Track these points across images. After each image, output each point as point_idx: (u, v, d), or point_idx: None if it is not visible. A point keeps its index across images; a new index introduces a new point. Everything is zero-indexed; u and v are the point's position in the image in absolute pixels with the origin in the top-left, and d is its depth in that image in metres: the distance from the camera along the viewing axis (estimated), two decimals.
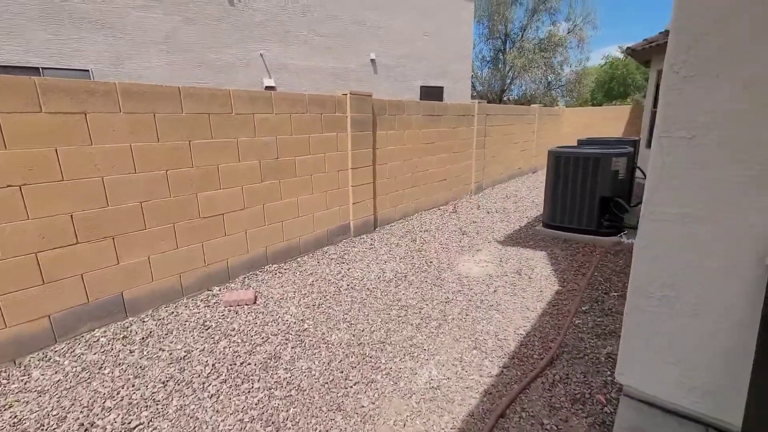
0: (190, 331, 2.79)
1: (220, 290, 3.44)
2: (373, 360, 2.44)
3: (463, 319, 2.92)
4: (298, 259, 4.23)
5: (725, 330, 1.56)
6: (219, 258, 3.50)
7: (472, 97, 13.68)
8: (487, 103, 7.85)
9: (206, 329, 2.82)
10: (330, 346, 2.60)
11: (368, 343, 2.62)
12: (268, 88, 7.81)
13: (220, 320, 2.95)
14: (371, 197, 5.10)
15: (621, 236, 2.26)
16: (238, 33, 7.45)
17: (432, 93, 11.06)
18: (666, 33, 7.56)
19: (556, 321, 2.86)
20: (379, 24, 9.53)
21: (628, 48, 7.92)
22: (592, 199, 4.42)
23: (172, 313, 3.05)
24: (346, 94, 4.51)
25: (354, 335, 2.73)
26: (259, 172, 3.72)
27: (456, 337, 2.68)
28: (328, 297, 3.34)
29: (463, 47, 11.64)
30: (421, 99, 10.62)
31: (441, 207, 6.64)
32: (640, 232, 1.71)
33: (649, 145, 7.94)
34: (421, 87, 10.84)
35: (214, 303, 3.22)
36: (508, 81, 20.34)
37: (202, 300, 3.27)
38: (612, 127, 11.76)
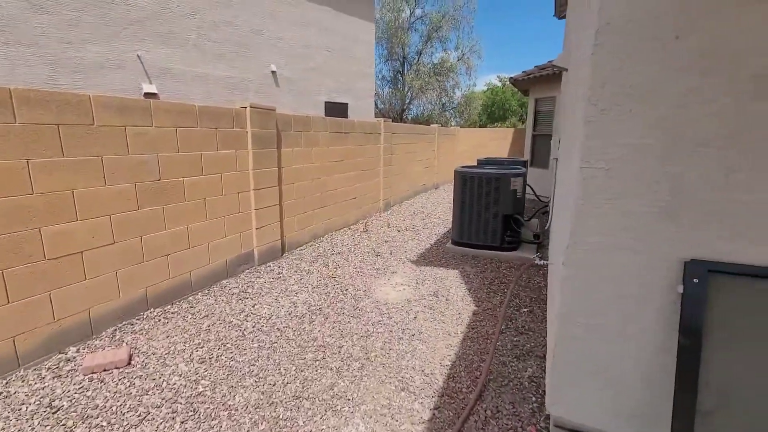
0: (27, 419, 2.04)
1: (78, 351, 2.66)
2: (289, 424, 2.06)
3: (387, 355, 2.71)
4: (191, 298, 3.57)
5: (647, 355, 1.60)
6: (76, 309, 2.71)
7: (375, 115, 13.96)
8: (392, 121, 7.99)
9: (54, 412, 2.10)
10: (233, 412, 2.13)
11: (281, 401, 2.22)
12: (148, 95, 6.75)
13: (76, 396, 2.23)
14: (278, 220, 4.64)
15: (536, 258, 2.33)
16: (108, 28, 6.31)
17: (337, 109, 10.93)
18: (541, 67, 8.68)
19: (478, 345, 2.83)
20: (279, 35, 9.09)
21: (510, 78, 8.87)
22: (496, 217, 4.67)
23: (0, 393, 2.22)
24: (245, 107, 4.03)
25: (263, 393, 2.29)
26: (134, 197, 3.03)
27: (381, 379, 2.44)
28: (229, 344, 2.81)
29: (365, 65, 11.82)
30: (325, 115, 10.40)
31: (352, 226, 6.44)
32: (566, 261, 1.69)
33: (533, 164, 8.94)
34: (326, 103, 10.64)
35: (69, 371, 2.46)
36: (407, 101, 21.48)
37: (50, 369, 2.47)
38: (498, 147, 13.11)
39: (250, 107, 4.04)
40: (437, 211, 7.86)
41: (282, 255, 4.82)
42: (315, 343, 2.84)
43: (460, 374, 2.49)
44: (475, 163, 6.13)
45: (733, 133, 1.38)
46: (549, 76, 8.23)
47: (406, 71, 21.45)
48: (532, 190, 6.88)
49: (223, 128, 3.80)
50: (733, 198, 1.41)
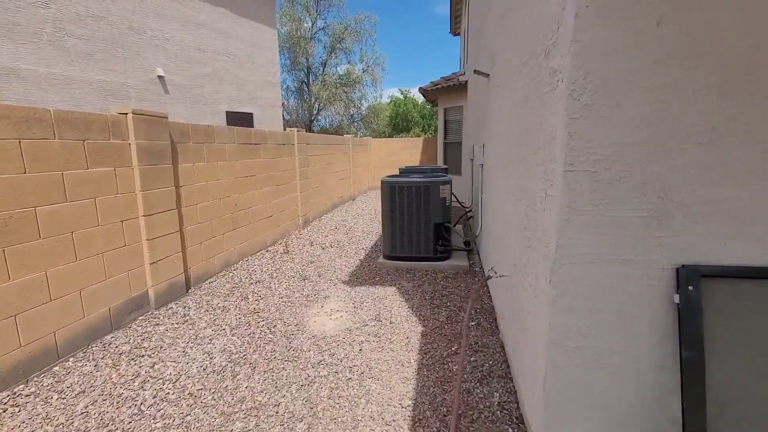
0: None
1: None
2: None
3: (337, 405, 2.25)
4: (57, 368, 2.64)
5: (647, 374, 1.45)
6: None
7: (283, 126, 13.21)
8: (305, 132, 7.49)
9: None
10: None
11: None
12: None
13: None
14: (178, 250, 3.82)
15: (492, 271, 2.14)
16: None
17: (241, 120, 10.00)
18: (447, 78, 9.04)
19: (437, 373, 2.54)
20: (166, 35, 7.95)
21: (420, 88, 9.08)
22: (427, 227, 4.51)
23: None
24: (125, 114, 3.22)
25: None
26: None
27: None
28: (119, 430, 2.07)
29: (270, 73, 11.08)
30: (228, 126, 9.40)
31: (270, 248, 5.76)
32: (553, 279, 1.48)
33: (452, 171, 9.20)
34: (228, 113, 9.65)
35: None
36: (315, 112, 20.97)
37: None
38: (411, 155, 13.42)
39: (133, 113, 3.24)
40: (359, 224, 7.55)
41: (188, 291, 4.00)
42: (243, 406, 2.25)
43: (426, 414, 2.16)
44: (397, 173, 5.98)
45: (715, 128, 1.30)
46: (455, 87, 8.60)
47: (311, 82, 20.96)
48: (455, 197, 6.99)
49: (94, 140, 2.95)
50: (718, 197, 1.33)
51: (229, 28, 9.43)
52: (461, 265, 4.52)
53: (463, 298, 3.75)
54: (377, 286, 4.13)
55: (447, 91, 8.73)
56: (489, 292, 3.80)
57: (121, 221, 3.20)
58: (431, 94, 9.04)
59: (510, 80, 2.54)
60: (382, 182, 4.64)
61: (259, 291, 4.06)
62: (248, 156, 5.19)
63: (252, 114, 10.45)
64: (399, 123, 39.33)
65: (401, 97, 42.64)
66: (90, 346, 2.91)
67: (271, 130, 5.91)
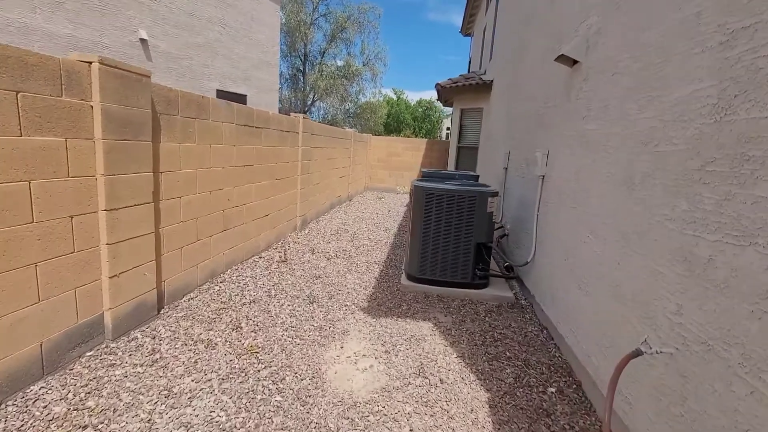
0: None
1: None
2: None
3: None
4: None
5: None
6: None
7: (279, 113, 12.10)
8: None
9: None
10: None
11: None
12: None
13: None
14: (152, 258, 2.84)
15: (645, 345, 1.37)
16: None
17: (233, 101, 8.89)
18: (467, 77, 8.26)
19: None
20: None
21: (437, 84, 8.26)
22: (467, 246, 3.69)
23: None
24: (89, 62, 2.24)
25: None
26: None
27: None
28: None
29: (269, 53, 10.00)
30: None
31: (264, 254, 4.79)
32: None
33: None
34: (218, 91, 8.55)
35: None
36: (309, 102, 19.84)
37: None
38: (412, 157, 12.60)
39: (100, 63, 2.25)
40: (363, 230, 6.65)
41: (160, 312, 3.01)
42: None
43: None
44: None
45: None
46: (475, 87, 7.84)
47: (307, 71, 19.82)
48: None
49: (35, 94, 1.96)
50: None
51: None
52: (504, 296, 3.71)
53: (523, 345, 2.93)
54: (407, 320, 3.26)
55: (465, 90, 7.96)
56: (552, 336, 3.00)
57: (70, 217, 2.21)
58: (448, 92, 8.24)
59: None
60: (416, 188, 3.77)
61: (256, 316, 3.12)
62: (248, 141, 4.22)
63: (246, 96, 9.37)
64: (391, 123, 38.67)
65: (394, 97, 42.03)
66: (2, 405, 1.92)
67: (275, 113, 4.95)
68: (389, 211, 8.73)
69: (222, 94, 8.60)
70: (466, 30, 14.12)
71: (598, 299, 2.28)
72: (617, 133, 2.20)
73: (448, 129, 44.28)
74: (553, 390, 2.39)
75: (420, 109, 43.05)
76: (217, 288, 3.62)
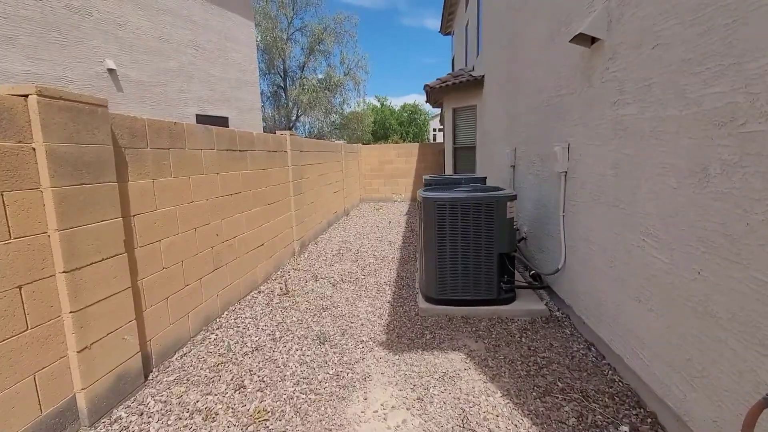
0: None
1: None
2: None
3: None
4: None
5: None
6: None
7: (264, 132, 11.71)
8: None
9: None
10: None
11: None
12: None
13: None
14: (131, 318, 2.41)
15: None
16: None
17: (214, 125, 8.47)
18: (455, 75, 7.95)
19: None
20: (117, 19, 6.42)
21: (426, 85, 7.95)
22: (489, 258, 3.30)
23: None
24: (25, 96, 1.83)
25: None
26: None
27: None
28: None
29: (246, 71, 9.63)
30: None
31: (263, 287, 4.36)
32: None
33: None
34: (198, 116, 8.14)
35: None
36: (294, 118, 19.47)
37: None
38: (406, 163, 12.24)
39: (38, 95, 1.84)
40: (366, 247, 6.24)
41: (147, 379, 2.57)
42: None
43: None
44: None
45: None
46: (465, 85, 7.52)
47: (288, 87, 19.47)
48: None
49: None
50: None
51: (197, 16, 7.97)
52: (536, 309, 3.32)
53: (573, 369, 2.53)
54: (434, 352, 2.85)
55: (455, 89, 7.64)
56: (603, 355, 2.61)
57: (18, 288, 1.78)
58: (438, 92, 7.92)
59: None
60: (425, 199, 3.39)
61: (260, 368, 2.68)
62: (232, 167, 3.82)
63: (227, 118, 8.97)
64: (377, 131, 38.51)
65: (378, 104, 41.95)
66: None
67: (259, 133, 4.56)
68: (390, 222, 8.33)
69: (202, 119, 8.20)
70: (446, 29, 13.91)
71: (670, 316, 1.89)
72: (673, 116, 1.83)
73: (435, 130, 44.29)
74: (626, 429, 1.99)
75: (405, 114, 43.02)
76: (213, 337, 3.18)
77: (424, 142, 12.26)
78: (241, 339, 3.14)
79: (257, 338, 3.14)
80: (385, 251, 5.86)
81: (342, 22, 19.52)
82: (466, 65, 9.66)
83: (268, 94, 19.76)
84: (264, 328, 3.34)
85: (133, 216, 2.52)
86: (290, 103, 19.13)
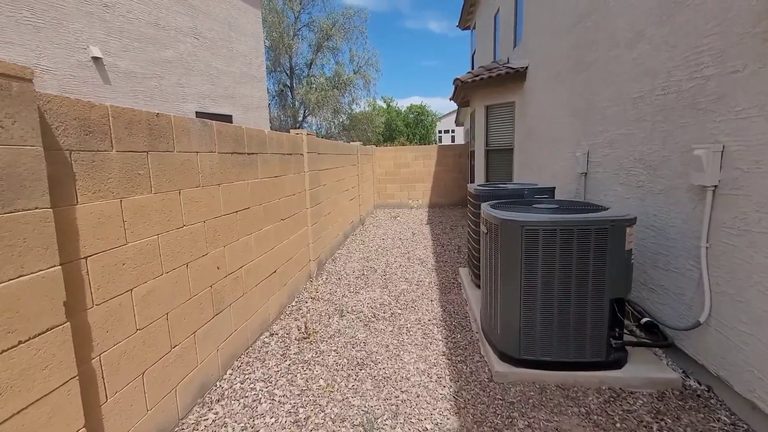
0: None
1: None
2: None
3: None
4: None
5: None
6: None
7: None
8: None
9: None
10: None
11: None
12: None
13: None
14: (80, 425, 1.48)
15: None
16: None
17: None
18: (488, 68, 7.02)
19: None
20: (104, 0, 5.53)
21: (456, 79, 7.03)
22: (598, 305, 2.36)
23: None
24: None
25: None
26: None
27: None
28: None
29: (253, 65, 8.73)
30: None
31: (275, 326, 3.44)
32: None
33: None
34: (198, 113, 7.24)
35: None
36: (301, 118, 18.57)
37: None
38: (423, 167, 11.30)
39: None
40: (393, 266, 5.30)
41: None
42: None
43: None
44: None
45: None
46: (501, 79, 6.58)
47: (295, 85, 18.56)
48: None
49: None
50: None
51: (197, 1, 7.07)
52: (662, 378, 2.37)
53: None
54: None
55: (491, 84, 6.71)
56: None
57: None
58: (469, 88, 6.99)
59: None
60: (505, 222, 2.45)
61: None
62: (239, 175, 2.90)
63: (231, 117, 8.07)
64: (384, 132, 37.62)
65: (384, 105, 41.11)
66: None
67: (272, 132, 3.64)
68: (413, 234, 7.39)
69: (202, 116, 7.28)
70: (465, 23, 12.99)
71: None
72: None
73: (440, 132, 43.31)
74: None
75: (411, 115, 42.15)
76: (211, 417, 2.25)
77: (441, 144, 11.26)
78: (250, 423, 2.20)
79: (273, 421, 2.21)
80: (418, 273, 4.92)
81: (351, 17, 18.62)
82: (495, 59, 8.72)
83: (274, 93, 18.82)
84: (282, 400, 2.40)
85: (85, 259, 1.60)
86: (297, 103, 18.23)
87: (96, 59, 5.35)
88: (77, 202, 1.57)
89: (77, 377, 1.49)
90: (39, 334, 1.34)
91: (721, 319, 2.19)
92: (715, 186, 2.20)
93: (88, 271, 1.61)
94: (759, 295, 1.94)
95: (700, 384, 2.38)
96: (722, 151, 2.15)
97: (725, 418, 2.10)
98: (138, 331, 1.88)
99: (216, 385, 2.55)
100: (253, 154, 3.15)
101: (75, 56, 5.15)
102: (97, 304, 1.65)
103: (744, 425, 2.04)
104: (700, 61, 2.32)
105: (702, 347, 2.35)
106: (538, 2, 5.62)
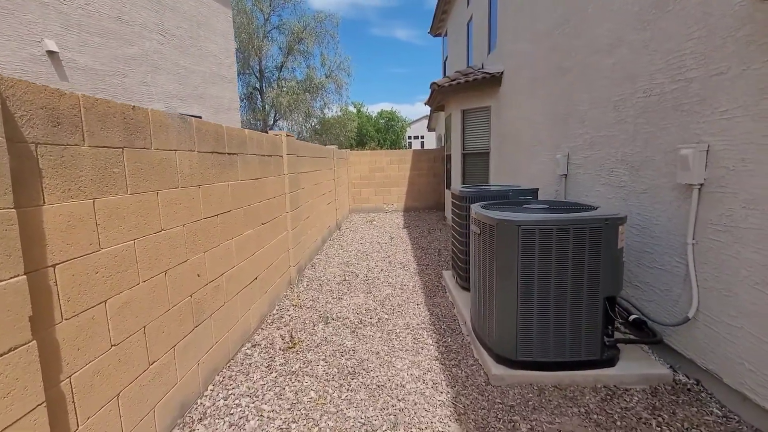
0: None
1: None
2: None
3: None
4: None
5: None
6: None
7: None
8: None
9: None
10: None
11: None
12: None
13: None
14: None
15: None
16: None
17: None
18: (465, 72, 7.12)
19: None
20: None
21: (433, 83, 7.07)
22: (593, 304, 2.37)
23: None
24: None
25: None
26: None
27: None
28: None
29: (223, 65, 8.40)
30: None
31: (258, 336, 3.24)
32: None
33: None
34: None
35: None
36: (271, 122, 18.13)
37: None
38: (398, 171, 11.29)
39: None
40: (375, 270, 5.20)
41: None
42: None
43: None
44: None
45: None
46: (477, 84, 6.69)
47: (265, 88, 18.12)
48: None
49: None
50: None
51: None
52: (654, 374, 2.42)
53: None
54: None
55: (467, 88, 6.80)
56: None
57: None
58: (446, 92, 7.05)
59: None
60: (501, 222, 2.42)
61: None
62: (219, 176, 2.72)
63: (200, 118, 7.69)
64: (356, 137, 37.53)
65: (354, 110, 41.07)
66: None
67: (252, 131, 3.47)
68: (391, 238, 7.33)
69: None
70: (437, 30, 13.18)
71: None
72: None
73: (410, 138, 43.69)
74: None
75: (382, 121, 42.34)
76: None
77: (416, 149, 11.33)
78: None
79: None
80: (401, 277, 4.85)
81: (323, 21, 18.45)
82: (469, 64, 8.88)
83: (243, 96, 18.29)
84: (271, 416, 2.24)
85: (54, 267, 1.40)
86: (267, 106, 17.79)
87: (51, 53, 4.93)
88: (44, 202, 1.37)
89: (45, 404, 1.29)
90: (0, 356, 1.14)
91: (710, 314, 2.26)
92: (701, 184, 2.28)
93: (56, 281, 1.41)
94: (748, 289, 2.00)
95: (689, 378, 2.44)
96: (707, 151, 2.23)
97: (717, 411, 2.15)
98: (113, 347, 1.68)
99: (197, 403, 2.35)
100: (233, 154, 2.97)
101: (27, 49, 4.73)
102: (66, 319, 1.45)
103: (735, 416, 2.10)
104: (682, 64, 2.41)
105: (690, 342, 2.42)
106: (516, 9, 5.76)
